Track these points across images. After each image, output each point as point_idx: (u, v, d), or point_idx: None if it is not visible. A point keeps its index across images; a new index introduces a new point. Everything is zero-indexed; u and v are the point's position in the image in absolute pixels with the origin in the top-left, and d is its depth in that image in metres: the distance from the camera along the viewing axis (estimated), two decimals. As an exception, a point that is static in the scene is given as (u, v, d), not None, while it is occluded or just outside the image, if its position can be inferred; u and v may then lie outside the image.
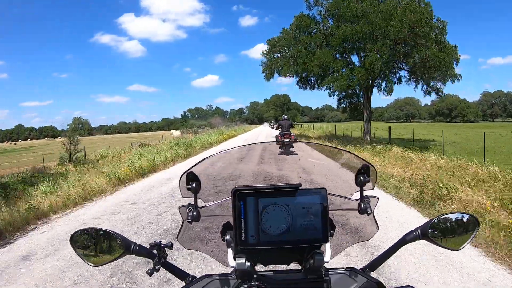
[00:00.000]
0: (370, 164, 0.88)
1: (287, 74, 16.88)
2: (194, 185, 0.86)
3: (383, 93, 15.82)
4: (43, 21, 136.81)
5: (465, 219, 0.83)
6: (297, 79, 18.90)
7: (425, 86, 17.08)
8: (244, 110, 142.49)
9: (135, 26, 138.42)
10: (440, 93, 17.35)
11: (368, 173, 0.88)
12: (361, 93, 17.39)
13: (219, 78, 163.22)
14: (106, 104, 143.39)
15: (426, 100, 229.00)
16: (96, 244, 0.82)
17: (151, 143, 20.48)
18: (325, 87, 16.91)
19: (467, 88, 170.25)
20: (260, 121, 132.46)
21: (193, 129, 38.11)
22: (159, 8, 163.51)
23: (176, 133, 40.01)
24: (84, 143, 16.25)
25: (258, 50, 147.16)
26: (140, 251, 0.80)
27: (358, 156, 0.93)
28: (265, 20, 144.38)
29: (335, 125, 25.47)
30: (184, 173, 0.86)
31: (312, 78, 18.73)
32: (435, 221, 0.82)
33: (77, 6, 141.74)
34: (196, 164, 0.89)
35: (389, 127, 15.23)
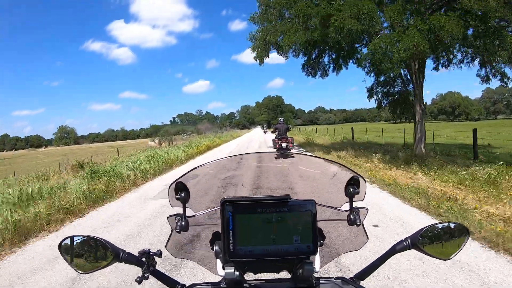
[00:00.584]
0: (360, 175, 0.90)
1: (292, 47, 10.42)
2: (183, 194, 0.87)
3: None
4: (32, 29, 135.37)
5: (454, 228, 0.84)
6: (305, 58, 12.48)
7: (488, 68, 10.94)
8: (235, 115, 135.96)
9: (125, 33, 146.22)
10: (505, 80, 11.17)
11: (357, 184, 0.89)
12: (408, 78, 10.94)
13: (211, 83, 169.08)
14: (98, 111, 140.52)
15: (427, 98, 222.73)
16: (85, 251, 0.81)
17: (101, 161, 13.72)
18: (350, 65, 10.54)
19: (467, 85, 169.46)
20: (253, 125, 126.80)
21: (168, 138, 31.22)
22: (148, 14, 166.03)
23: (152, 142, 33.14)
24: (51, 154, 9.66)
25: (248, 55, 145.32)
26: (129, 259, 0.80)
27: (347, 167, 0.95)
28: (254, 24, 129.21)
29: (351, 127, 19.04)
30: (173, 182, 0.87)
31: (326, 58, 12.31)
32: (425, 230, 0.82)
33: (67, 13, 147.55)
34: (186, 173, 0.90)
35: (474, 130, 8.83)
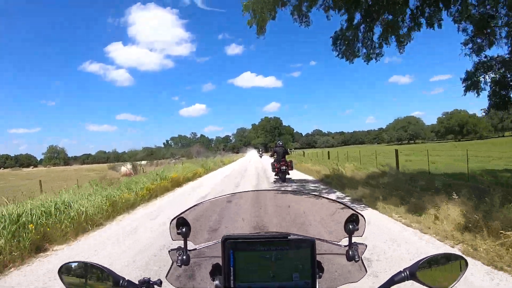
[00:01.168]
0: (359, 213, 0.92)
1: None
2: (184, 229, 0.89)
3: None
4: (30, 48, 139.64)
5: (452, 259, 0.84)
6: (344, 19, 6.80)
7: None
8: (231, 138, 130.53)
9: (123, 55, 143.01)
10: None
11: (357, 221, 0.91)
12: None
13: (207, 107, 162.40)
14: (95, 132, 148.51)
15: (430, 118, 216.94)
16: (84, 278, 0.81)
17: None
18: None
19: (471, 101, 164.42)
20: (248, 147, 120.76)
21: (133, 165, 25.05)
22: (146, 37, 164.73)
23: (124, 168, 26.85)
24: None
25: (244, 79, 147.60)
26: (128, 286, 0.80)
27: (346, 205, 0.97)
28: (250, 48, 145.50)
29: (395, 150, 12.93)
30: (174, 218, 0.90)
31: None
32: (424, 261, 0.82)
33: (65, 34, 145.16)
34: (187, 209, 0.92)
35: None
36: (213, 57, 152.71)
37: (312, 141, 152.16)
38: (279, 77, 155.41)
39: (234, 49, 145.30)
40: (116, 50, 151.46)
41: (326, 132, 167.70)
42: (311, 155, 34.03)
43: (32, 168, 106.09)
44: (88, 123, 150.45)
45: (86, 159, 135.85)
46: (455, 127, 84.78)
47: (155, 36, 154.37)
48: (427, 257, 0.83)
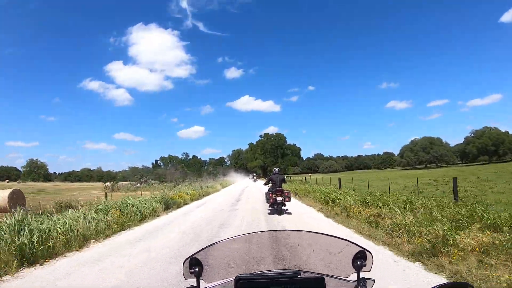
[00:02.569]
0: (367, 249, 0.97)
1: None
2: (197, 269, 0.92)
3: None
4: (32, 62, 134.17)
5: (460, 287, 0.86)
6: None
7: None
8: (226, 160, 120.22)
9: (123, 75, 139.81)
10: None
11: (364, 257, 0.95)
12: None
13: (206, 130, 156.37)
14: (92, 150, 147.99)
15: (455, 138, 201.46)
16: None
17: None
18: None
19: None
20: (244, 172, 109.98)
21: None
22: (146, 57, 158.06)
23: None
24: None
25: (243, 102, 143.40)
26: None
27: (353, 242, 1.00)
28: (249, 72, 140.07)
29: (453, 178, 10.92)
30: (187, 258, 0.95)
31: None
32: None
33: (66, 50, 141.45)
34: (200, 250, 0.98)
35: None
36: (212, 80, 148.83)
37: (313, 165, 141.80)
38: (277, 101, 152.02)
39: (233, 73, 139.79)
40: (116, 69, 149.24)
41: (328, 156, 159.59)
42: (314, 181, 24.33)
43: (7, 181, 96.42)
44: (86, 140, 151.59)
45: (68, 176, 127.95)
46: (489, 147, 73.08)
47: (155, 57, 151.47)
48: (435, 286, 0.82)
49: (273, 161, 74.50)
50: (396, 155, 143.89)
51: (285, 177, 12.34)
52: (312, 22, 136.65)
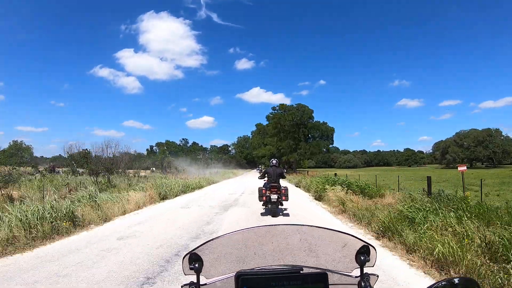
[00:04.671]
0: (370, 244, 0.94)
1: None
2: (197, 265, 0.89)
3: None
4: (42, 49, 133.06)
5: (466, 284, 0.83)
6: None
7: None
8: (230, 148, 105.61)
9: (133, 62, 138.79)
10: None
11: (368, 252, 0.93)
12: None
13: (214, 120, 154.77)
14: (101, 137, 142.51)
15: None
16: None
17: None
18: None
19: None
20: (250, 164, 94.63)
21: None
22: (157, 46, 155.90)
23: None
24: None
25: (253, 94, 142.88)
26: None
27: (357, 237, 0.97)
28: (260, 64, 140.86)
29: None
30: (187, 253, 0.91)
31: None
32: (437, 286, 0.80)
33: (76, 36, 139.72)
34: (200, 245, 0.93)
35: None
36: (223, 71, 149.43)
37: (329, 159, 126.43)
38: (288, 94, 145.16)
39: (244, 64, 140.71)
40: (127, 57, 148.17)
41: (345, 150, 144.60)
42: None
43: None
44: (95, 127, 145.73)
45: (54, 160, 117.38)
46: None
47: (166, 46, 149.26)
48: (439, 281, 0.82)
49: (292, 147, 47.89)
50: (423, 152, 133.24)
51: (284, 171, 9.90)
52: (325, 16, 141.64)
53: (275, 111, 50.50)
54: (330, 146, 55.60)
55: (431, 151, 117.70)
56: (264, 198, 8.47)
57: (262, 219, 8.03)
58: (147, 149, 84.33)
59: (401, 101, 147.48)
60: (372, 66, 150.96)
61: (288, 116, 47.67)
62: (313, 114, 49.79)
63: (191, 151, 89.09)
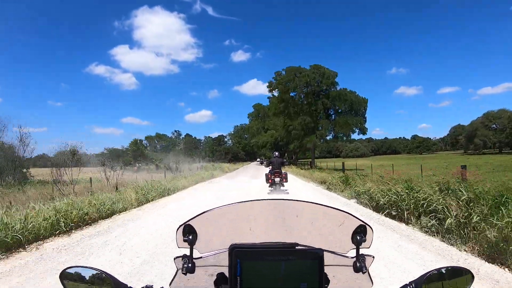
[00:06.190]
0: (367, 224, 0.91)
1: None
2: (190, 237, 0.87)
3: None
4: (37, 47, 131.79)
5: (458, 273, 0.83)
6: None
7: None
8: (227, 139, 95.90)
9: (129, 59, 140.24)
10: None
11: (364, 232, 0.90)
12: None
13: (213, 114, 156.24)
14: (101, 135, 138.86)
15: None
16: (86, 283, 0.79)
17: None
18: None
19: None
20: (249, 156, 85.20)
21: None
22: (152, 41, 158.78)
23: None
24: None
25: (250, 86, 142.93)
26: None
27: (354, 215, 0.94)
28: (257, 56, 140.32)
29: None
30: (181, 225, 0.88)
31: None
32: (430, 274, 0.80)
33: (70, 34, 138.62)
34: (194, 217, 0.90)
35: None
36: (219, 63, 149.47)
37: (334, 148, 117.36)
38: None
39: (240, 56, 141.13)
40: (122, 53, 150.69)
41: (350, 138, 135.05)
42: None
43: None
44: (94, 125, 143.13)
45: (48, 161, 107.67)
46: None
47: (161, 41, 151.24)
48: (433, 270, 0.81)
49: (309, 125, 33.79)
50: (431, 138, 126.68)
51: (285, 160, 12.20)
52: (320, 7, 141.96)
53: (283, 71, 35.18)
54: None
55: (436, 137, 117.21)
56: (270, 180, 11.32)
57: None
58: (132, 142, 74.49)
59: (400, 89, 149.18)
60: (369, 54, 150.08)
61: (302, 79, 32.73)
62: (336, 80, 34.51)
63: (185, 142, 79.62)
